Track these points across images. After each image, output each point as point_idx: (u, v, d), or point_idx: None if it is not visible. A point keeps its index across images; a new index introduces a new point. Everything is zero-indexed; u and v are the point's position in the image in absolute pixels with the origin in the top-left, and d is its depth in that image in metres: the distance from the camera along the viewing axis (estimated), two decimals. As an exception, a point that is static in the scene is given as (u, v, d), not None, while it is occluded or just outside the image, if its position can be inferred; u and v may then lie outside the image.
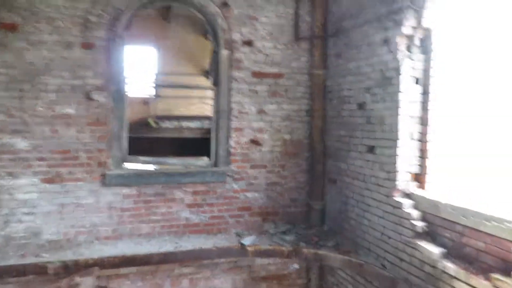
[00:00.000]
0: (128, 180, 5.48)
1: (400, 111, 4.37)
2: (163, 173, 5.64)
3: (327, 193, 5.98)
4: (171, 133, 12.19)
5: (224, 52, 5.78)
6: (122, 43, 5.47)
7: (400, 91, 4.38)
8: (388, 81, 4.54)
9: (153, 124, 12.52)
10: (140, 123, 14.13)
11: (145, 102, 14.63)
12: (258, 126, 5.98)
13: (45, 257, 4.97)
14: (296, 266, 5.94)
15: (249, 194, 5.99)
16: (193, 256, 5.38)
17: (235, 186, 5.93)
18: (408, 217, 4.18)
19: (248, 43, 5.85)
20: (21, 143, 5.11)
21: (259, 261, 5.88)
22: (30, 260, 4.90)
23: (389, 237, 4.47)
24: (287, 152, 6.12)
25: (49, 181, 5.23)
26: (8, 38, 4.99)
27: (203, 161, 6.07)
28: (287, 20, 6.00)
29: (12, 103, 5.05)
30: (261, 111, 5.97)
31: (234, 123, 5.88)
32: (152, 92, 14.87)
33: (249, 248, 5.43)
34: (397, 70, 4.41)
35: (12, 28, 4.99)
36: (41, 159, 5.18)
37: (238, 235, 5.80)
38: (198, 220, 5.80)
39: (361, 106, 5.08)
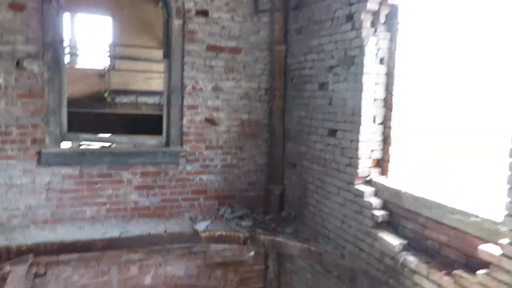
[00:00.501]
0: (68, 160, 4.95)
1: (363, 94, 4.07)
2: (109, 153, 5.14)
3: (286, 177, 5.69)
4: (127, 108, 11.50)
5: (176, 22, 5.27)
6: (59, 5, 4.85)
7: (364, 72, 4.07)
8: (351, 60, 4.23)
9: (108, 99, 11.78)
10: (94, 97, 13.33)
11: (100, 74, 13.80)
12: (213, 104, 5.56)
13: (-31, 244, 4.43)
14: (252, 253, 5.66)
15: (204, 177, 5.61)
16: (142, 242, 4.98)
17: (189, 168, 5.53)
18: (369, 207, 3.93)
19: (203, 13, 5.36)
20: None
21: (214, 247, 5.55)
22: (-50, 248, 4.35)
23: (350, 226, 4.23)
24: (245, 133, 5.76)
25: (-25, 159, 4.64)
26: None
27: (155, 140, 5.61)
28: (246, -10, 5.54)
29: None
30: (217, 88, 5.55)
31: (188, 100, 5.43)
32: (107, 64, 14.05)
33: (202, 234, 5.09)
34: (361, 49, 4.09)
35: None
36: (-36, 134, 4.57)
37: (192, 219, 5.44)
38: (148, 203, 5.38)
39: (322, 86, 4.76)
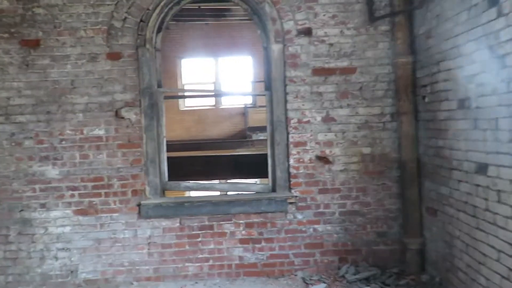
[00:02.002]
0: (167, 211, 4.59)
1: (526, 107, 2.65)
2: (208, 202, 4.61)
3: (426, 227, 4.31)
4: (264, 145, 11.23)
5: (274, 47, 4.56)
6: (154, 48, 4.64)
7: (525, 76, 2.66)
8: (500, 61, 2.84)
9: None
10: (239, 135, 13.55)
11: (243, 113, 14.06)
12: (325, 138, 4.60)
13: (74, 302, 4.33)
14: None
15: (319, 227, 4.63)
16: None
17: (300, 217, 4.63)
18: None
19: (306, 32, 4.53)
20: (51, 171, 4.59)
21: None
22: (57, 305, 4.31)
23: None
24: (368, 171, 4.61)
25: (83, 212, 4.61)
26: (31, 56, 4.52)
27: (260, 185, 4.90)
28: (356, -4, 4.53)
29: (40, 127, 4.57)
30: (328, 119, 4.59)
31: (294, 136, 4.60)
32: (249, 101, 14.25)
33: (317, 302, 4.10)
34: (516, 42, 2.70)
35: (34, 44, 4.52)
36: (72, 188, 4.60)
37: (305, 280, 4.48)
38: (254, 259, 4.64)
39: (463, 103, 3.39)
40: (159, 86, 4.75)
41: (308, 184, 4.61)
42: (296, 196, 4.60)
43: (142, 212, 4.58)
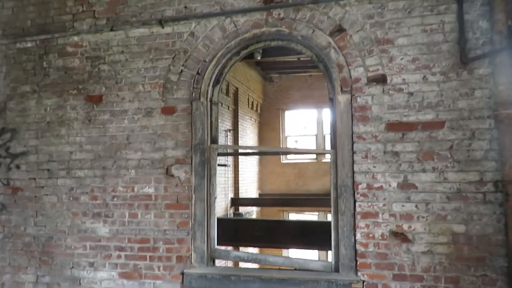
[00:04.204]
0: (212, 283, 4.01)
1: None
2: (257, 278, 3.92)
3: None
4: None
5: (340, 98, 3.87)
6: (210, 102, 4.32)
7: None
8: None
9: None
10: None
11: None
12: (402, 209, 3.65)
13: None
14: None
15: (394, 325, 3.59)
16: None
17: (369, 309, 3.66)
18: None
19: (378, 79, 3.78)
20: (102, 229, 4.42)
21: None
22: None
23: None
24: (462, 256, 3.49)
25: (127, 276, 4.31)
26: (94, 111, 4.55)
27: (320, 263, 4.05)
28: (443, 34, 3.66)
29: (95, 183, 4.48)
30: (406, 185, 3.65)
31: (362, 205, 3.75)
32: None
33: None
34: None
35: (98, 100, 4.55)
36: (120, 248, 4.35)
37: None
38: None
39: None
40: (214, 142, 4.37)
41: (379, 266, 3.66)
42: (363, 281, 3.67)
43: (185, 282, 4.08)
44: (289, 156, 14.50)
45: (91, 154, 4.53)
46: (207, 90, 4.28)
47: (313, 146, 14.63)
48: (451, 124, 3.59)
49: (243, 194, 11.79)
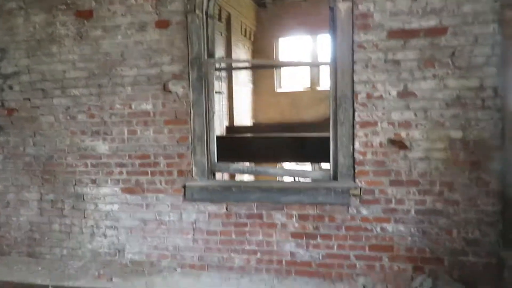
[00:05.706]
0: (213, 195, 4.13)
1: None
2: (257, 188, 4.04)
3: (536, 239, 3.19)
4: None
5: (341, 6, 3.75)
6: (205, 14, 4.17)
7: None
8: None
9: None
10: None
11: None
12: (401, 117, 3.68)
13: (115, 283, 4.15)
14: None
15: (388, 226, 3.76)
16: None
17: (365, 212, 3.81)
18: None
19: (381, -16, 3.64)
20: (102, 146, 4.45)
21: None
22: (99, 284, 4.16)
23: None
24: (458, 161, 3.58)
25: (130, 191, 4.41)
26: (85, 27, 4.38)
27: (318, 172, 4.16)
28: None
29: (91, 101, 4.44)
30: (406, 93, 3.65)
31: (361, 114, 3.77)
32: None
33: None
34: None
35: (88, 15, 4.36)
36: (121, 165, 4.41)
37: (368, 289, 3.69)
38: (308, 257, 3.97)
39: None
40: (211, 56, 4.28)
41: (377, 173, 3.76)
42: (361, 187, 3.79)
43: (187, 195, 4.20)
44: (283, 85, 14.36)
45: (85, 72, 4.43)
46: (202, 2, 4.11)
47: (307, 75, 14.45)
48: (454, 29, 3.52)
49: (237, 124, 11.81)
